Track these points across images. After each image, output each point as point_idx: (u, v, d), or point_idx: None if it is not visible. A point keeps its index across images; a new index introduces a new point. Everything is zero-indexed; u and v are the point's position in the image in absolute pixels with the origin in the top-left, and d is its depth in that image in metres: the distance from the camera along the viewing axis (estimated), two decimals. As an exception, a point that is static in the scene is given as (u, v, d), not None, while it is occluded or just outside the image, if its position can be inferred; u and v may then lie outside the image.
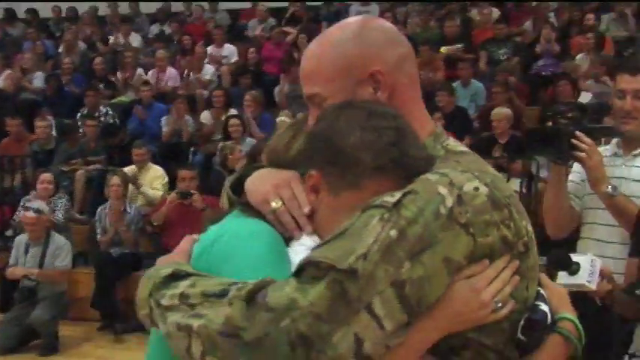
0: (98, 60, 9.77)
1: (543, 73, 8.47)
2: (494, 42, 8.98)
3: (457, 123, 7.07)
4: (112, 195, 6.36)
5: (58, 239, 5.84)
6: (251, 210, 1.22)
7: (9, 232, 6.89)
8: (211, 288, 1.06)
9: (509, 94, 7.53)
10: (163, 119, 8.15)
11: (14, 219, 6.75)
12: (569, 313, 1.19)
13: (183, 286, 1.08)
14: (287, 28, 10.19)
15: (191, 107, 8.39)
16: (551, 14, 9.56)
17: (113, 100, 9.17)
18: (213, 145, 7.67)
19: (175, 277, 1.11)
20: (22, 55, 9.86)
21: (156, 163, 7.39)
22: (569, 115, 2.46)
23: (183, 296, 1.07)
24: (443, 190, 1.06)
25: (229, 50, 9.75)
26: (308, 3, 10.74)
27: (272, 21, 10.52)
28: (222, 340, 1.01)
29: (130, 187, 6.66)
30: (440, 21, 9.57)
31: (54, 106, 9.00)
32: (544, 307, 1.14)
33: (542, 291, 1.17)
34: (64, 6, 12.03)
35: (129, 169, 6.95)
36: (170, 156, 7.84)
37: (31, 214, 5.73)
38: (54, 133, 8.29)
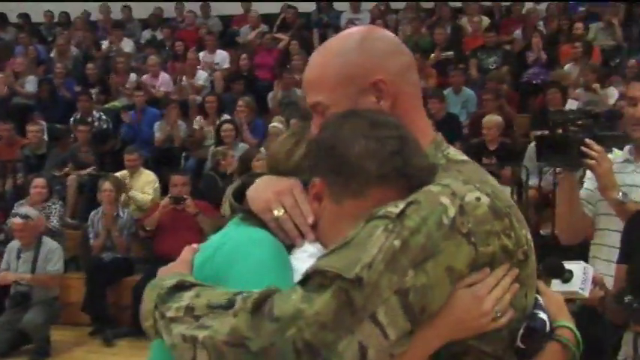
0: (91, 65, 9.78)
1: (534, 82, 8.56)
2: (484, 50, 9.06)
3: (448, 130, 7.13)
4: (104, 200, 6.37)
5: (50, 244, 5.83)
6: (253, 217, 1.22)
7: (1, 237, 6.87)
8: (216, 299, 1.07)
9: (500, 101, 7.60)
10: (156, 124, 8.16)
11: (6, 224, 6.74)
12: (567, 320, 1.21)
13: (187, 297, 1.09)
14: (279, 35, 10.24)
15: (184, 112, 8.41)
16: (540, 23, 9.66)
17: (106, 105, 9.17)
18: (205, 151, 7.70)
19: (180, 288, 1.12)
20: (15, 60, 9.84)
21: (148, 168, 7.39)
22: (580, 122, 2.46)
23: (188, 308, 1.08)
24: (445, 201, 1.08)
25: (221, 56, 9.77)
26: (300, 10, 10.79)
27: (264, 27, 10.56)
28: (229, 351, 1.02)
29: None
30: (431, 28, 9.65)
31: (46, 110, 8.98)
32: (542, 315, 1.16)
33: (540, 299, 1.19)
34: (56, 11, 12.02)
35: (120, 175, 6.96)
36: (162, 161, 7.85)
37: (18, 220, 5.71)
38: (46, 137, 8.27)
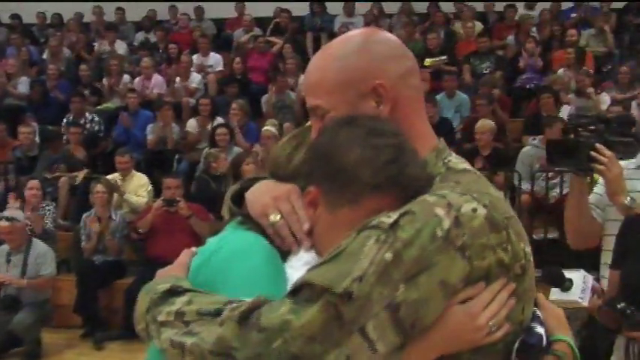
0: (84, 66, 9.76)
1: (527, 86, 8.60)
2: (477, 55, 9.10)
3: (441, 134, 7.09)
4: (96, 202, 6.35)
5: (40, 246, 5.80)
6: (251, 222, 1.22)
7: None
8: (206, 306, 1.06)
9: (493, 106, 7.63)
10: (149, 127, 8.15)
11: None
12: (565, 334, 1.19)
13: (179, 302, 1.09)
14: (272, 38, 10.25)
15: (177, 115, 8.40)
16: (533, 29, 9.71)
17: (99, 107, 9.15)
18: (198, 153, 7.69)
19: (173, 292, 1.11)
20: (6, 61, 9.81)
21: (140, 170, 7.38)
22: (592, 127, 2.45)
23: (178, 313, 1.08)
24: (440, 212, 1.05)
25: (215, 59, 9.77)
26: (293, 14, 10.80)
27: (257, 31, 10.57)
28: None
29: (115, 194, 6.65)
30: (424, 34, 9.68)
31: (38, 112, 8.96)
32: (539, 329, 1.14)
33: (538, 312, 1.17)
34: (48, 12, 11.99)
35: (112, 177, 6.94)
36: (155, 164, 7.83)
37: (4, 222, 5.66)
38: (37, 139, 8.24)
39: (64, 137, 8.18)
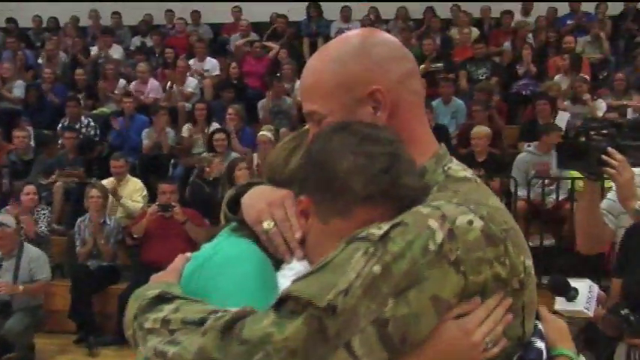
0: (79, 71, 9.73)
1: (523, 93, 8.61)
2: (473, 62, 9.11)
3: (436, 140, 7.14)
4: (91, 207, 6.33)
5: (32, 251, 5.76)
6: (246, 228, 1.20)
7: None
8: (192, 315, 1.05)
9: (489, 112, 7.63)
10: (144, 131, 8.12)
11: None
12: (567, 348, 1.17)
13: (167, 310, 1.08)
14: (268, 43, 10.24)
15: (173, 120, 8.38)
16: (530, 35, 9.74)
17: (94, 111, 9.13)
18: (193, 159, 7.67)
19: (161, 299, 1.10)
20: (2, 65, 9.78)
21: (135, 175, 7.36)
22: (605, 131, 2.43)
23: (164, 321, 1.06)
24: (433, 224, 1.01)
25: (211, 64, 9.76)
26: (290, 19, 10.81)
27: (254, 36, 10.57)
28: None
29: (110, 199, 6.62)
30: (420, 39, 9.69)
31: (34, 116, 8.93)
32: (539, 343, 1.12)
33: (540, 325, 1.15)
34: (44, 16, 11.96)
35: (107, 182, 6.91)
36: (150, 169, 7.81)
37: None
38: (32, 143, 8.22)
39: (60, 141, 8.15)
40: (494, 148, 7.11)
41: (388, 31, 9.74)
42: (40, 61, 10.61)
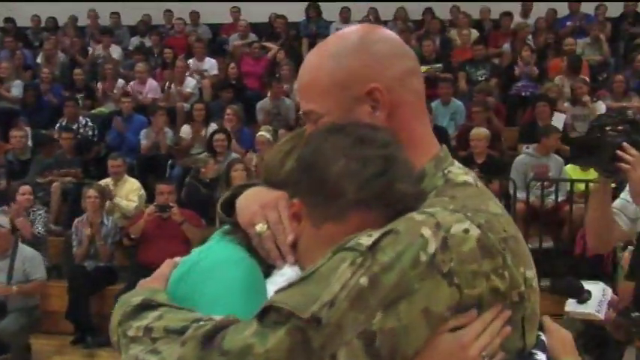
0: (78, 70, 9.71)
1: (523, 94, 8.59)
2: (472, 63, 9.10)
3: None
4: (88, 207, 6.31)
5: (27, 251, 5.72)
6: (239, 231, 1.17)
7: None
8: (175, 323, 1.02)
9: (489, 114, 7.62)
10: (143, 132, 8.10)
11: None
12: (571, 359, 1.14)
13: (150, 317, 1.05)
14: (267, 44, 10.22)
15: (171, 120, 8.36)
16: (529, 37, 9.72)
17: (92, 111, 9.11)
18: (191, 159, 7.65)
19: (145, 306, 1.07)
20: (0, 64, 9.76)
21: (133, 175, 7.34)
22: (620, 127, 2.39)
23: (147, 329, 1.03)
24: (426, 233, 0.97)
25: (210, 64, 9.74)
26: (289, 20, 10.80)
27: (253, 36, 10.55)
28: None
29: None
30: (420, 40, 9.68)
31: (32, 115, 8.91)
32: (540, 356, 1.09)
33: (542, 337, 1.12)
34: (43, 16, 11.94)
35: (105, 182, 6.89)
36: (148, 169, 7.79)
37: None
38: (30, 143, 8.19)
39: (57, 142, 8.13)
40: (493, 149, 7.09)
41: (387, 32, 9.81)
42: (38, 60, 10.59)
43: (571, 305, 2.15)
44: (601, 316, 2.14)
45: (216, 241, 1.19)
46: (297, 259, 1.11)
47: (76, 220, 6.43)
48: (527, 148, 6.98)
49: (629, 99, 8.07)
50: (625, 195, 2.57)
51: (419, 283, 0.95)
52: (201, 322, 1.00)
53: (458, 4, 10.55)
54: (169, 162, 7.90)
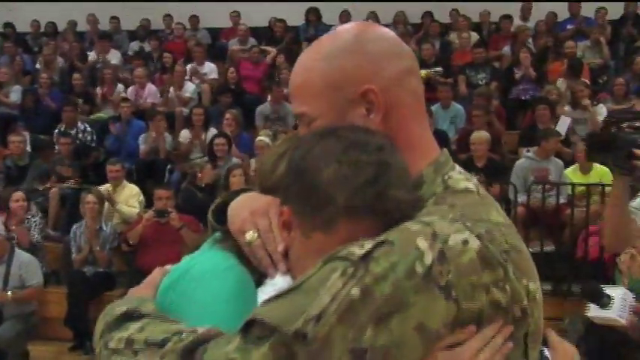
0: (77, 75, 9.70)
1: (523, 98, 8.56)
2: (472, 66, 9.07)
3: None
4: (87, 213, 6.28)
5: (23, 256, 5.68)
6: (230, 238, 1.13)
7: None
8: (155, 335, 0.98)
9: (489, 117, 7.59)
10: (141, 136, 8.08)
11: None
12: None
13: (132, 329, 1.02)
14: (265, 47, 10.20)
15: (170, 125, 8.33)
16: (529, 40, 9.70)
17: (91, 116, 9.08)
18: (189, 164, 7.62)
19: (128, 317, 1.04)
20: (-1, 69, 9.76)
21: (132, 180, 7.31)
22: (637, 124, 2.36)
23: (128, 341, 1.00)
24: (422, 244, 0.91)
25: (209, 68, 9.72)
26: (288, 24, 10.79)
27: (253, 41, 10.53)
28: None
29: (106, 204, 6.57)
30: (419, 44, 9.66)
31: (30, 121, 8.89)
32: None
33: (546, 352, 1.09)
34: (42, 21, 11.93)
35: (104, 188, 6.86)
36: (147, 174, 7.76)
37: None
38: (28, 148, 8.17)
39: (56, 147, 8.10)
40: (493, 153, 7.06)
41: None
42: (37, 65, 10.57)
43: (594, 310, 2.11)
44: (623, 321, 2.11)
45: (206, 249, 1.17)
46: (289, 268, 1.07)
47: (75, 226, 6.40)
48: (528, 151, 6.95)
49: (629, 102, 8.03)
50: None
51: (414, 296, 0.90)
52: (183, 335, 0.96)
53: (458, 6, 10.53)
54: (168, 167, 7.87)
